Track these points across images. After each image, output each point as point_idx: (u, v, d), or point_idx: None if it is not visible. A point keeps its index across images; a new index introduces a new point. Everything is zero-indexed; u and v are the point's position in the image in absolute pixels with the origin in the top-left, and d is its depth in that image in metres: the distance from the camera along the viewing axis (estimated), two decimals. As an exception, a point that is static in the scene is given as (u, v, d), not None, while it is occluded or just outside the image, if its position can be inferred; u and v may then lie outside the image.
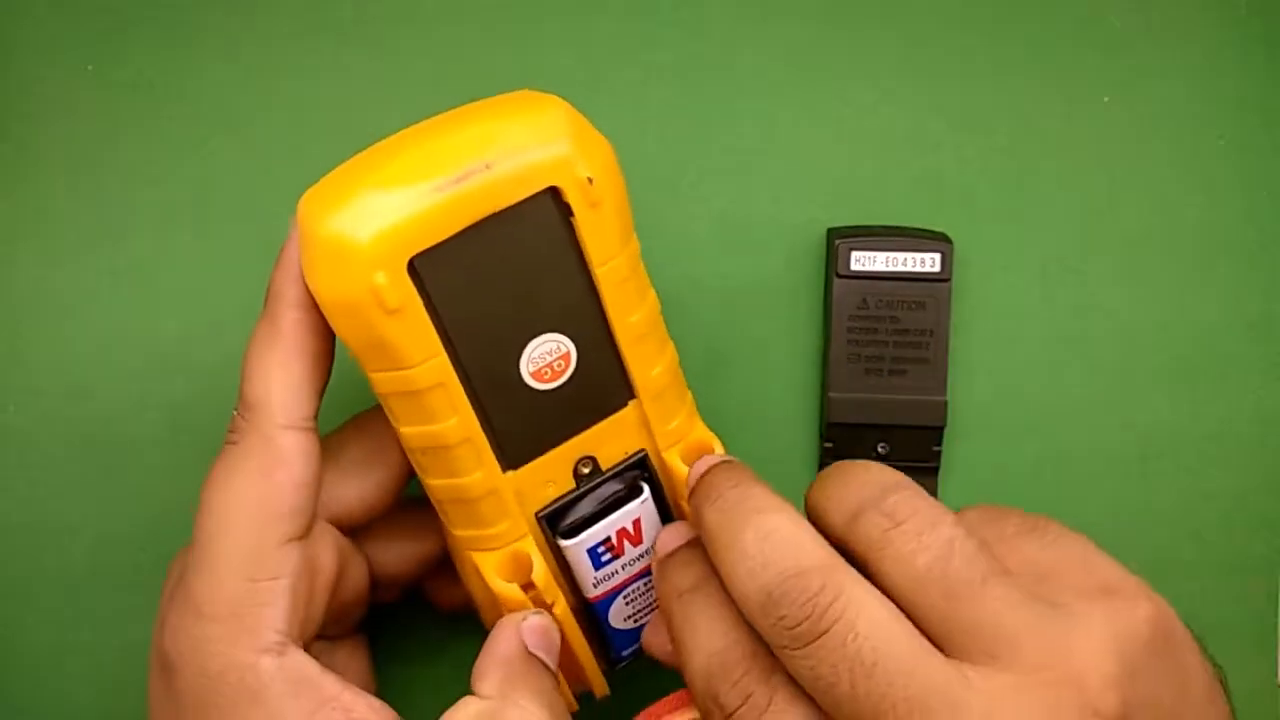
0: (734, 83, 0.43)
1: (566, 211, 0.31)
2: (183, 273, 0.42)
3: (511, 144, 0.30)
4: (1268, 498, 0.43)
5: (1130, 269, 0.43)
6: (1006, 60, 0.43)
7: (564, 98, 0.42)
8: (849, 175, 0.43)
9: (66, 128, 0.42)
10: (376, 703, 0.32)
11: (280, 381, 0.32)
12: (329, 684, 0.32)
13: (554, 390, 0.32)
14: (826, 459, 0.42)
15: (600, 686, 0.37)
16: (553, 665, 0.33)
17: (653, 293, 0.34)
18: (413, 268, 0.29)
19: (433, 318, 0.30)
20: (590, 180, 0.30)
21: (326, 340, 0.32)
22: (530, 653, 0.33)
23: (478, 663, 0.32)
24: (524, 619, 0.33)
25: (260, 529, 0.31)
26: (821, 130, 0.43)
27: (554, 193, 0.30)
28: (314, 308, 0.31)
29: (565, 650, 0.35)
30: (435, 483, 0.33)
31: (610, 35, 0.43)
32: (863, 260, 0.41)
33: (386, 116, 0.42)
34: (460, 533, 0.34)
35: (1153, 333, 0.43)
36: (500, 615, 0.34)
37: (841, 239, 0.41)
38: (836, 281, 0.41)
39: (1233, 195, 0.43)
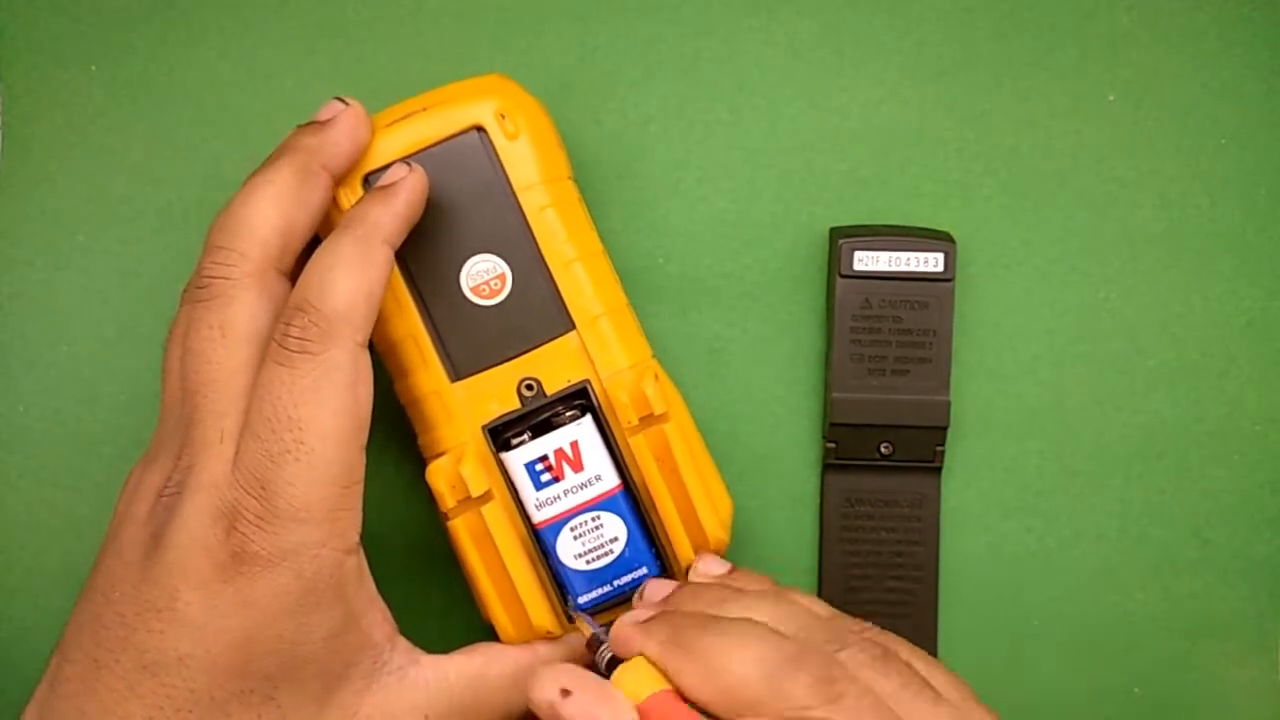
0: (736, 81, 0.43)
1: (491, 147, 0.38)
2: (185, 273, 0.42)
3: (447, 96, 0.38)
4: (1269, 497, 0.43)
5: (1132, 268, 0.43)
6: (1011, 59, 0.43)
7: (566, 96, 0.42)
8: (852, 174, 0.43)
9: (67, 128, 0.42)
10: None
11: (368, 303, 0.34)
12: (371, 580, 0.35)
13: (494, 307, 0.38)
14: (829, 459, 0.42)
15: (542, 617, 0.38)
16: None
17: (593, 233, 0.39)
18: (367, 182, 0.37)
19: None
20: (504, 116, 0.38)
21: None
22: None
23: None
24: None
25: (352, 439, 0.33)
26: (824, 129, 0.43)
27: (481, 132, 0.38)
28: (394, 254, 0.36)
29: (496, 562, 0.37)
30: (398, 386, 0.39)
31: (612, 34, 0.43)
32: (865, 260, 0.41)
33: (388, 116, 0.42)
34: (420, 440, 0.39)
35: (1154, 332, 0.43)
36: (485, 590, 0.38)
37: (844, 238, 0.41)
38: (839, 281, 0.41)
39: (1235, 195, 0.43)
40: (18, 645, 0.42)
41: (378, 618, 0.35)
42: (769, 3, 0.43)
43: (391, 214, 0.35)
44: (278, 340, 0.33)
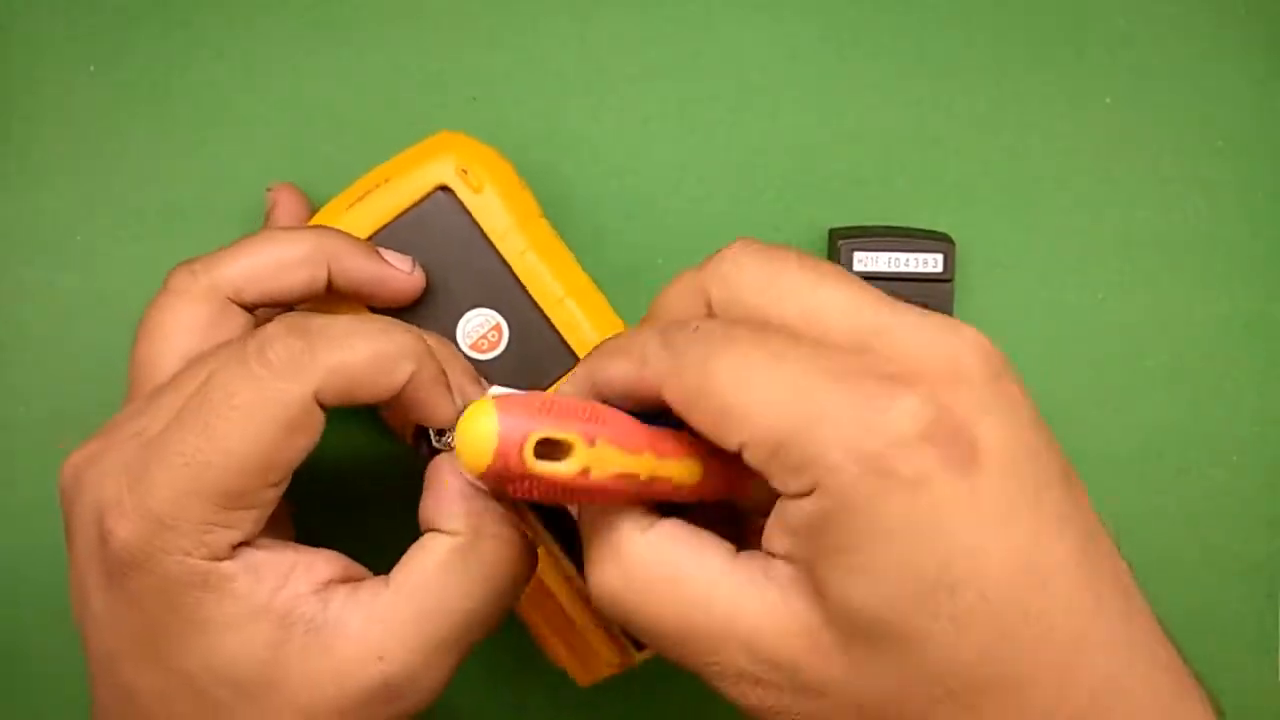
0: (736, 82, 0.43)
1: (460, 203, 0.38)
2: (185, 273, 0.42)
3: (404, 163, 0.38)
4: (1268, 498, 0.43)
5: (1131, 269, 0.43)
6: (1009, 61, 0.43)
7: (564, 96, 0.42)
8: (851, 175, 0.43)
9: (67, 128, 0.42)
10: (327, 552, 0.32)
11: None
12: (283, 552, 0.31)
13: (497, 359, 0.38)
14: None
15: (609, 652, 0.38)
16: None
17: (576, 266, 0.39)
18: None
19: (370, 308, 0.37)
20: (465, 171, 0.38)
21: None
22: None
23: (429, 501, 0.32)
24: None
25: (258, 471, 0.30)
26: (823, 130, 0.43)
27: (446, 191, 0.38)
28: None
29: (555, 610, 0.38)
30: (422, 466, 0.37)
31: (611, 33, 0.43)
32: (865, 261, 0.41)
33: (386, 116, 0.42)
34: None
35: (1153, 333, 0.43)
36: None
37: (844, 239, 0.41)
38: (839, 282, 0.41)
39: (1233, 196, 0.43)
40: (18, 646, 0.42)
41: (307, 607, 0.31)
42: (770, 2, 0.43)
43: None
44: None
